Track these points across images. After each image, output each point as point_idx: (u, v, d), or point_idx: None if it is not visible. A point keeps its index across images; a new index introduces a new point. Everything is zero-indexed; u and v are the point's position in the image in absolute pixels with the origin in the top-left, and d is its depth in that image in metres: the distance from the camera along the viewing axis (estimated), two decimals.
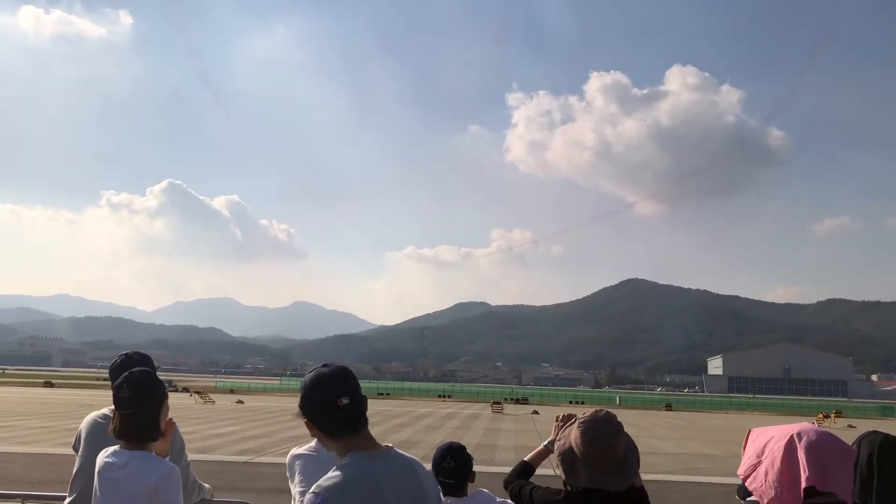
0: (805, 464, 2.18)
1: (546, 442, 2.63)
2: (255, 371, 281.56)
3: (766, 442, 2.32)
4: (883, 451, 2.28)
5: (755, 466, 2.29)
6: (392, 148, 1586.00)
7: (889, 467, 2.25)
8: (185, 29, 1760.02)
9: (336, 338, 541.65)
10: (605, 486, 2.20)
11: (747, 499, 2.40)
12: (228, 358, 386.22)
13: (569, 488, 2.28)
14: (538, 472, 2.19)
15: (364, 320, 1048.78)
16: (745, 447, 2.41)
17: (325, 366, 2.09)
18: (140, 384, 2.63)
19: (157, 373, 2.98)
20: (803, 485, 2.16)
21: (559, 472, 2.31)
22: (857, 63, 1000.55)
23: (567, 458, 2.28)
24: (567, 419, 2.57)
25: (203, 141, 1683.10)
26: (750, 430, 2.43)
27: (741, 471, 2.36)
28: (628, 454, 2.30)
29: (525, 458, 2.58)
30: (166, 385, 2.94)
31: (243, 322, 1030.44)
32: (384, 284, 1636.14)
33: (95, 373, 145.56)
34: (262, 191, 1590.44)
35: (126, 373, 2.71)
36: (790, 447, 2.24)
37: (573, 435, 2.30)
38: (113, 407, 2.70)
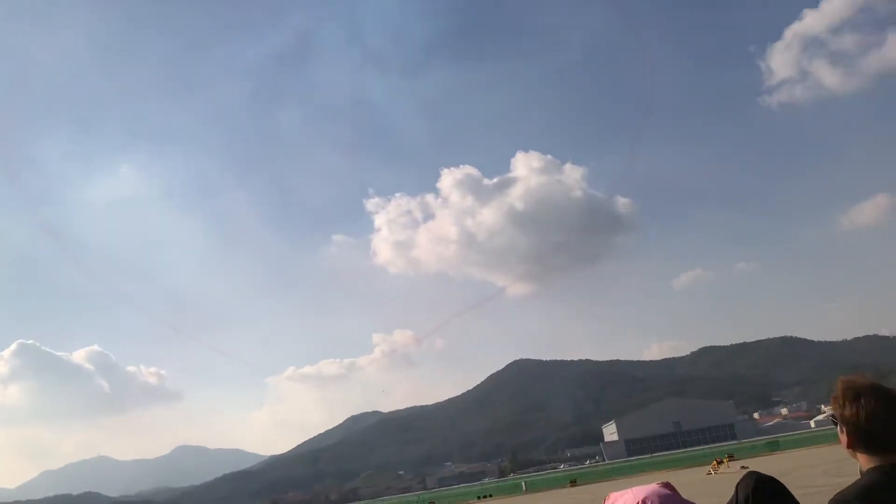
0: None
1: None
2: None
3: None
4: (756, 493, 2.41)
5: None
6: (258, 270, 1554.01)
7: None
8: (18, 181, 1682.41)
9: (225, 477, 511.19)
10: None
11: None
12: None
13: None
14: None
15: (253, 453, 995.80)
16: None
17: None
18: None
19: None
20: None
21: None
22: (681, 128, 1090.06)
23: None
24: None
25: (54, 294, 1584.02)
26: (607, 496, 2.47)
27: None
28: None
29: None
30: None
31: (122, 479, 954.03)
32: (268, 412, 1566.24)
33: None
34: (126, 336, 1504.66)
35: None
36: None
37: None
38: None
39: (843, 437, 2.54)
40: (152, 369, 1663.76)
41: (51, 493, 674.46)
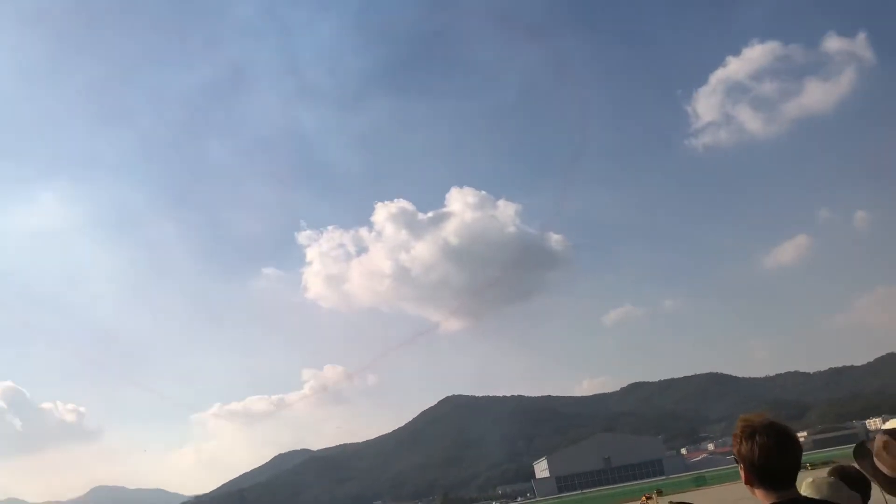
0: None
1: None
2: None
3: None
4: None
5: None
6: (184, 303, 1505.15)
7: None
8: None
9: None
10: None
11: None
12: None
13: None
14: None
15: (175, 493, 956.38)
16: None
17: None
18: None
19: None
20: None
21: None
22: (611, 168, 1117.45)
23: None
24: None
25: None
26: None
27: None
28: None
29: None
30: None
31: None
32: (193, 450, 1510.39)
33: None
34: (42, 372, 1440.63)
35: None
36: None
37: None
38: None
39: (742, 474, 2.62)
40: (70, 406, 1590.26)
41: None
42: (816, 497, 3.06)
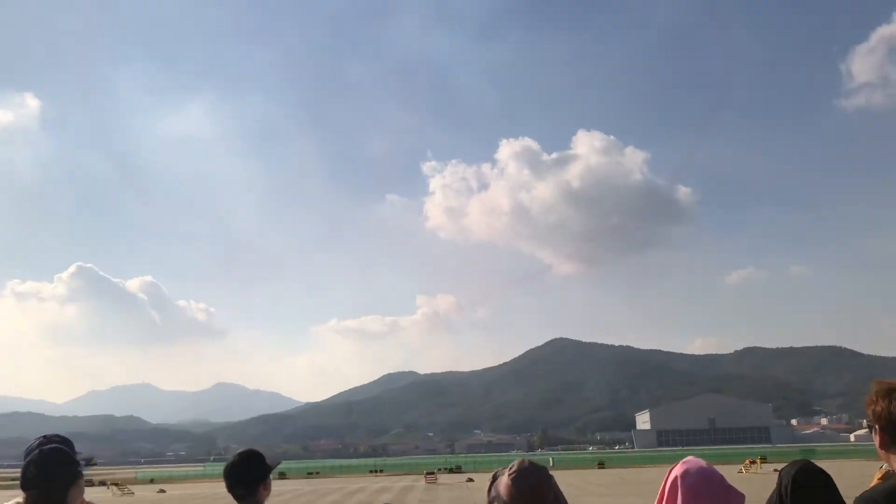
0: (682, 499, 2.35)
1: None
2: (178, 458, 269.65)
3: (669, 476, 2.51)
4: (798, 478, 2.48)
5: (660, 500, 2.46)
6: (311, 220, 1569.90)
7: (802, 492, 2.45)
8: (92, 109, 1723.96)
9: (260, 418, 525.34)
10: None
11: None
12: (149, 447, 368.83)
13: None
14: None
15: (289, 398, 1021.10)
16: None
17: (237, 454, 2.12)
18: (47, 462, 2.35)
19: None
20: None
21: None
22: (752, 122, 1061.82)
23: None
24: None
25: (115, 222, 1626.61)
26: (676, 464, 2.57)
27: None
28: (557, 499, 2.37)
29: None
30: (83, 463, 2.68)
31: (163, 408, 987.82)
32: (308, 359, 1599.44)
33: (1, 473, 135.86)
34: (179, 271, 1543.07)
35: (35, 451, 2.51)
36: (674, 484, 2.43)
37: (503, 487, 2.35)
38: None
39: (876, 438, 2.48)
40: (201, 305, 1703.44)
41: (96, 413, 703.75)
42: None
